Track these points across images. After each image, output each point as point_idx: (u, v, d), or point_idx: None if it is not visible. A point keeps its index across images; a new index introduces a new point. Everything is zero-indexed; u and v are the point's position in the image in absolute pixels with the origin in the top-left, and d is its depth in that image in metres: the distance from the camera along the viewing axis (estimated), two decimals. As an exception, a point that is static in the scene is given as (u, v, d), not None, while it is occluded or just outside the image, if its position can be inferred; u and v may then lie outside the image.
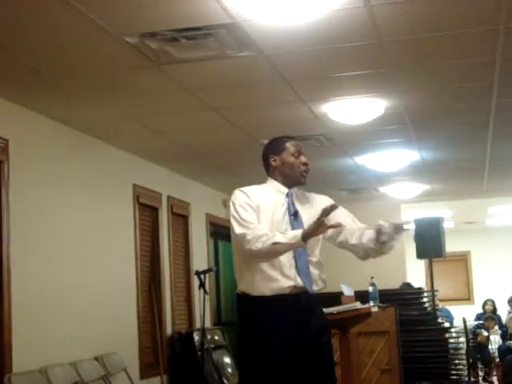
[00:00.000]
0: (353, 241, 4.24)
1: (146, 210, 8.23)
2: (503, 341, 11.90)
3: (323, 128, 7.09)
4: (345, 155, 8.45)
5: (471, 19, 4.57)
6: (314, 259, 4.05)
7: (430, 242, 9.63)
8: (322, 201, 4.13)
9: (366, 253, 4.27)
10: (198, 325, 8.83)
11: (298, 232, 3.76)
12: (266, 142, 7.43)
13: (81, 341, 6.47)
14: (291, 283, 3.88)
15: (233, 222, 3.88)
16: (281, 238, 3.75)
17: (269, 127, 7.01)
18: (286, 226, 3.92)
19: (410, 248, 10.46)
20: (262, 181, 4.18)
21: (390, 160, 8.71)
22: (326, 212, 3.69)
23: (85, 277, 6.67)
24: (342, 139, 7.63)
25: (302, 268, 3.93)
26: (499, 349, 11.15)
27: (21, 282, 5.66)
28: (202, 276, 7.19)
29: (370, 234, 4.18)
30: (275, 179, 4.09)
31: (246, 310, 3.98)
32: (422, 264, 12.73)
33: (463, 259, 17.33)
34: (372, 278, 7.56)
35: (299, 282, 3.90)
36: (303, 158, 4.09)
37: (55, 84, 5.40)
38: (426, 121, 7.11)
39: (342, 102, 6.25)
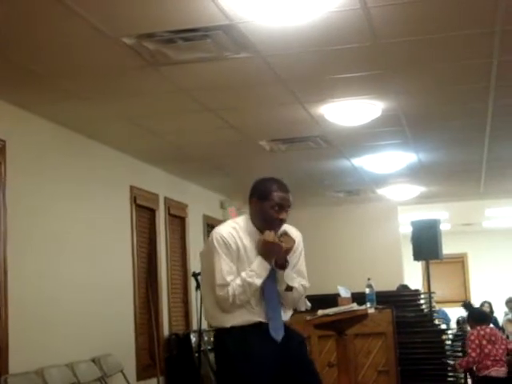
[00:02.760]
0: None
1: (143, 211, 8.23)
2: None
3: (320, 129, 7.09)
4: (342, 157, 8.46)
5: (468, 21, 4.57)
6: (282, 300, 4.13)
7: (426, 244, 9.65)
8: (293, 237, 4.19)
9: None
10: (195, 326, 8.83)
11: (261, 261, 3.95)
12: (263, 143, 7.54)
13: (77, 342, 6.46)
14: (263, 320, 4.01)
15: (216, 276, 3.96)
16: (257, 280, 3.92)
17: (266, 129, 7.03)
18: None
19: (407, 250, 10.48)
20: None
21: (387, 162, 8.71)
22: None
23: (82, 278, 6.66)
24: (339, 141, 7.64)
25: (273, 318, 4.03)
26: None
27: (17, 284, 5.65)
28: (199, 277, 7.19)
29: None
30: (252, 219, 4.13)
31: (222, 340, 4.07)
32: (418, 266, 12.72)
33: (460, 261, 17.35)
34: (369, 279, 7.57)
35: (269, 329, 4.01)
36: (282, 215, 4.08)
37: (53, 85, 5.40)
38: (422, 123, 7.12)
39: (339, 103, 6.26)
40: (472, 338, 7.28)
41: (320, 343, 7.51)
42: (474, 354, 7.23)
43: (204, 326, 7.07)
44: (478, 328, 7.36)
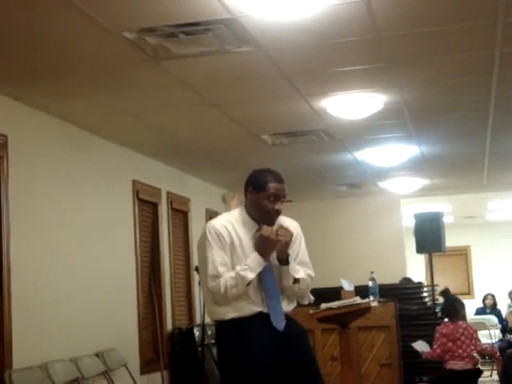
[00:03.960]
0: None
1: (146, 205, 8.23)
2: (503, 335, 11.90)
3: (322, 123, 7.09)
4: (344, 150, 8.45)
5: (470, 13, 4.56)
6: (281, 290, 4.12)
7: (429, 237, 9.65)
8: (290, 228, 4.17)
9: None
10: (198, 320, 8.84)
11: (256, 256, 3.93)
12: (265, 137, 7.53)
13: (81, 337, 6.47)
14: (264, 311, 4.00)
15: (207, 264, 3.98)
16: (250, 275, 3.90)
17: (268, 122, 7.02)
18: None
19: (410, 243, 10.48)
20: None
21: (390, 155, 8.70)
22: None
23: (85, 272, 6.67)
24: (342, 134, 7.63)
25: (273, 307, 4.02)
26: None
27: (21, 278, 5.66)
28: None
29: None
30: (247, 210, 4.13)
31: (222, 334, 4.08)
32: (421, 259, 12.73)
33: (463, 254, 17.34)
34: (372, 272, 7.57)
35: (271, 319, 4.00)
36: (277, 206, 4.07)
37: (54, 80, 5.40)
38: (425, 115, 7.11)
39: (342, 97, 6.24)
40: (437, 335, 7.31)
41: (323, 336, 7.52)
42: (438, 351, 7.29)
43: (207, 320, 7.07)
44: (442, 325, 7.39)
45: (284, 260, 4.05)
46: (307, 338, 4.23)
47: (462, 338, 7.23)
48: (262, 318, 3.98)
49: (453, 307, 7.54)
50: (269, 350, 3.93)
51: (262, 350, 3.92)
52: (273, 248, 3.97)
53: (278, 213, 4.07)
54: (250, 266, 3.93)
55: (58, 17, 4.27)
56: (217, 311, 4.04)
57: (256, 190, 4.09)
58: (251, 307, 3.99)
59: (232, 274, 3.92)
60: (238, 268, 3.94)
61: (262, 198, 4.05)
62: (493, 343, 10.05)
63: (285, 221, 4.18)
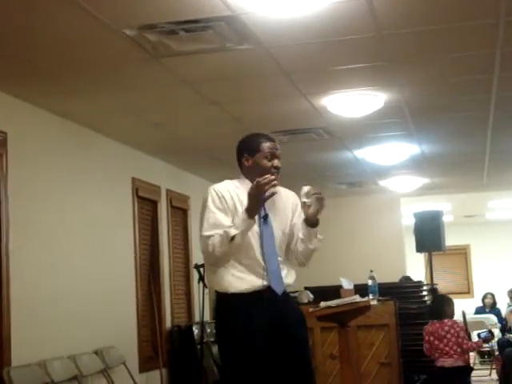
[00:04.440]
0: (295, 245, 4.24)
1: (145, 203, 8.22)
2: (503, 334, 11.90)
3: (323, 121, 7.08)
4: (344, 148, 8.44)
5: (471, 12, 4.55)
6: (280, 258, 4.12)
7: (429, 236, 9.64)
8: (289, 198, 4.24)
9: (299, 254, 4.24)
10: (197, 318, 8.83)
11: (243, 213, 3.86)
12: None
13: (80, 334, 6.47)
14: (265, 283, 3.96)
15: (203, 224, 3.96)
16: (233, 231, 3.85)
17: (268, 120, 7.01)
18: (257, 227, 3.99)
19: (410, 241, 10.47)
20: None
21: (390, 153, 8.70)
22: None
23: (84, 270, 6.66)
24: (342, 132, 7.62)
25: (272, 270, 4.00)
26: (498, 342, 11.14)
27: (20, 275, 5.65)
28: (202, 269, 7.19)
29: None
30: (247, 178, 4.10)
31: (222, 307, 4.05)
32: (421, 257, 12.74)
33: (463, 253, 17.34)
34: (371, 271, 7.55)
35: (270, 283, 3.97)
36: (276, 162, 4.08)
37: (54, 77, 5.38)
38: (425, 114, 7.10)
39: (342, 95, 6.24)
40: (424, 333, 7.36)
41: (322, 335, 7.50)
42: (427, 346, 7.35)
43: (206, 317, 7.07)
44: (430, 323, 7.43)
45: (314, 222, 4.11)
46: (305, 327, 4.19)
47: (448, 336, 7.23)
48: (263, 296, 3.94)
49: (440, 307, 7.53)
50: (267, 334, 3.92)
51: (261, 332, 3.90)
52: (259, 200, 3.86)
53: (277, 170, 4.06)
54: (236, 222, 3.89)
55: (58, 14, 4.26)
56: (220, 282, 4.00)
57: (251, 154, 4.09)
58: (253, 279, 3.95)
59: (220, 231, 3.88)
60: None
61: (260, 158, 4.06)
62: (479, 335, 10.02)
63: (282, 190, 4.17)
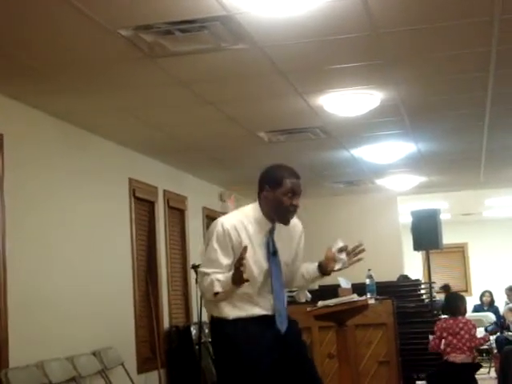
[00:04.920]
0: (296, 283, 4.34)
1: (143, 203, 8.21)
2: (501, 332, 11.90)
3: (319, 120, 7.07)
4: (341, 147, 8.44)
5: (466, 10, 4.55)
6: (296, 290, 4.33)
7: (426, 234, 9.64)
8: (297, 228, 4.23)
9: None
10: (195, 318, 8.83)
11: (229, 278, 3.86)
12: (262, 134, 7.52)
13: (78, 335, 6.46)
14: (268, 313, 4.01)
15: (204, 256, 4.01)
16: (217, 288, 3.88)
17: (265, 120, 7.01)
18: (265, 263, 3.99)
19: (407, 240, 10.47)
20: (257, 175, 4.16)
21: (387, 152, 8.69)
22: (239, 262, 3.79)
23: (81, 271, 6.65)
24: (338, 131, 7.62)
25: (278, 309, 4.02)
26: (497, 340, 11.15)
27: (17, 277, 5.64)
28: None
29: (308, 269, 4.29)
30: (262, 209, 4.07)
31: (223, 333, 4.04)
32: (419, 256, 12.73)
33: (460, 251, 17.35)
34: (369, 270, 7.55)
35: (275, 320, 4.01)
36: (295, 201, 4.04)
37: (50, 78, 5.38)
38: (422, 112, 7.10)
39: (338, 94, 6.23)
40: (435, 328, 7.50)
41: (320, 334, 7.50)
42: (432, 343, 7.52)
43: (204, 318, 7.06)
44: (443, 319, 7.51)
45: (329, 273, 4.20)
46: (301, 335, 4.26)
47: (462, 333, 7.35)
48: (265, 319, 3.98)
49: (454, 304, 7.64)
50: (268, 346, 3.94)
51: (263, 346, 3.93)
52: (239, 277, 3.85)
53: (295, 208, 4.04)
54: (223, 281, 3.89)
55: (54, 14, 4.25)
56: (219, 309, 4.00)
57: (272, 187, 4.03)
58: (255, 309, 3.98)
59: (212, 275, 3.90)
60: (218, 275, 3.91)
61: (280, 194, 4.00)
62: (486, 329, 10.08)
63: (294, 226, 4.19)
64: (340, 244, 4.15)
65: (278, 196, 4.00)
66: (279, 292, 4.02)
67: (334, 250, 4.14)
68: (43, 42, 4.68)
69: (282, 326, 4.00)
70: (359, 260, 4.19)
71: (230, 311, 3.97)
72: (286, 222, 4.06)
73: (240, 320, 3.96)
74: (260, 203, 4.09)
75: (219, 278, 3.89)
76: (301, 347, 4.14)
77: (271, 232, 4.05)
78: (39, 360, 5.77)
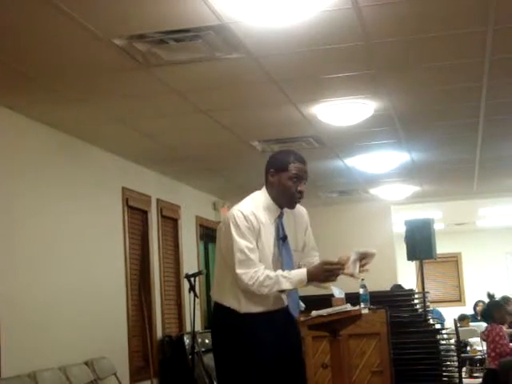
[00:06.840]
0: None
1: (136, 213, 8.19)
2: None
3: (313, 130, 7.08)
4: (334, 157, 8.44)
5: (460, 20, 4.56)
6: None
7: (420, 244, 9.64)
8: (302, 214, 4.23)
9: None
10: (188, 328, 8.81)
11: (304, 276, 3.87)
12: (255, 144, 7.51)
13: (70, 345, 6.43)
14: (282, 306, 4.01)
15: (236, 253, 3.85)
16: (287, 285, 3.85)
17: (258, 129, 7.01)
18: (275, 249, 3.97)
19: (401, 250, 10.46)
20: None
21: (380, 161, 8.70)
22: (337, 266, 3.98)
23: (74, 281, 6.63)
24: (332, 141, 7.62)
25: (291, 293, 4.03)
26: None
27: (9, 287, 5.62)
28: (192, 279, 7.18)
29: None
30: (269, 193, 4.06)
31: (232, 325, 3.99)
32: (412, 266, 12.73)
33: (454, 260, 17.36)
34: (363, 279, 7.53)
35: (288, 305, 4.03)
36: (300, 186, 4.02)
37: (43, 87, 5.37)
38: (415, 122, 7.11)
39: (332, 103, 6.24)
40: (501, 333, 7.66)
41: (314, 344, 7.49)
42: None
43: (197, 327, 7.04)
44: (499, 327, 7.67)
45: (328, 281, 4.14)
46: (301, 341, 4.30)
47: (491, 340, 7.67)
48: (279, 311, 3.99)
49: (488, 312, 7.90)
50: (276, 343, 3.96)
51: (272, 342, 3.94)
52: (329, 280, 3.96)
53: (301, 194, 4.02)
54: (293, 279, 3.87)
55: (48, 24, 4.25)
56: (231, 301, 3.96)
57: (278, 171, 4.02)
58: (278, 301, 3.97)
59: (271, 273, 3.84)
60: (279, 272, 3.87)
61: (285, 179, 3.99)
62: None
63: (297, 206, 4.15)
64: (354, 257, 4.17)
65: (283, 180, 4.00)
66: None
67: (351, 260, 4.16)
68: (37, 52, 4.67)
69: (294, 310, 4.01)
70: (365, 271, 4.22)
71: (245, 305, 3.92)
72: (292, 208, 4.07)
73: (249, 315, 3.93)
74: (266, 186, 4.08)
75: (284, 274, 3.86)
76: (297, 338, 4.19)
77: (280, 217, 4.03)
78: (32, 370, 5.74)
